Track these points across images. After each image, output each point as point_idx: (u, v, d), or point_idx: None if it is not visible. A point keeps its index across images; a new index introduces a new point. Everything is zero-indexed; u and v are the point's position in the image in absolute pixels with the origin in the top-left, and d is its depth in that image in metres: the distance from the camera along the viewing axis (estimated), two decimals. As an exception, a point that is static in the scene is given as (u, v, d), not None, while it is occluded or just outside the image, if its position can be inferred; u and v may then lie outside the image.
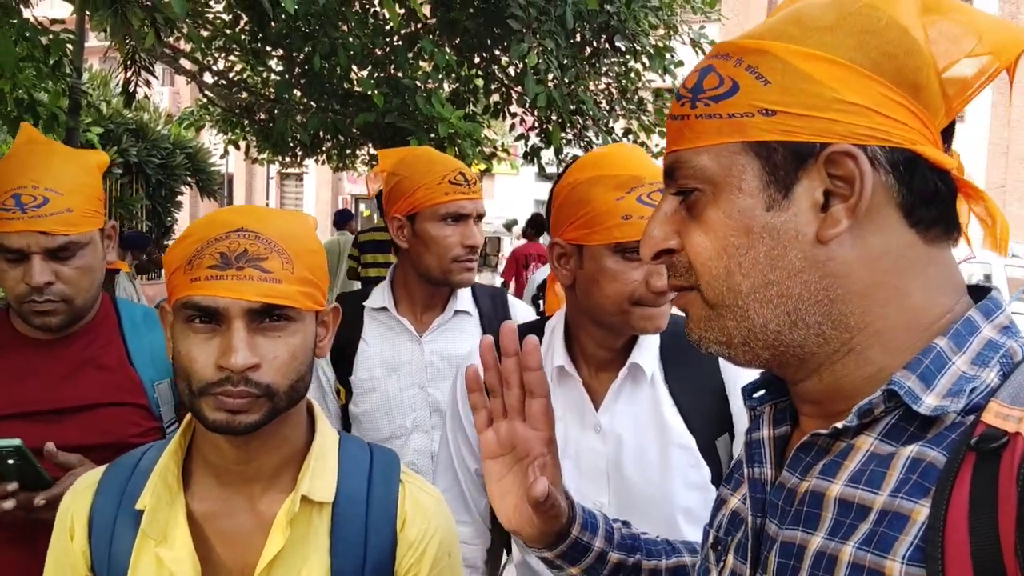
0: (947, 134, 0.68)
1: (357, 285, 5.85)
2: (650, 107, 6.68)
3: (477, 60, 6.09)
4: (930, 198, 0.66)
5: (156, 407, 1.56)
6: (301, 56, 5.76)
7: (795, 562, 0.67)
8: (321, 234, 1.29)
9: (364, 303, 1.98)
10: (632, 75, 6.37)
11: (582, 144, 6.45)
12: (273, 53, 6.43)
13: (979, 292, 0.70)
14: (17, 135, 1.56)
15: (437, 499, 1.16)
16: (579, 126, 6.13)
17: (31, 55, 4.22)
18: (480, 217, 1.91)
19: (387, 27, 5.65)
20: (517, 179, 21.82)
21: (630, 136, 6.72)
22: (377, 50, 5.56)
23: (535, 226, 8.32)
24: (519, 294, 7.18)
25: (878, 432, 0.65)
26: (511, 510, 0.94)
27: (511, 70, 5.99)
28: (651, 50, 5.85)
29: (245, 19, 5.77)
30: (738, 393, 1.29)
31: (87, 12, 3.78)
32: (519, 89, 5.72)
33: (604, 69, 6.23)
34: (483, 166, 6.92)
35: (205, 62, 6.74)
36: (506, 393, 0.94)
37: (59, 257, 1.45)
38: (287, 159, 9.37)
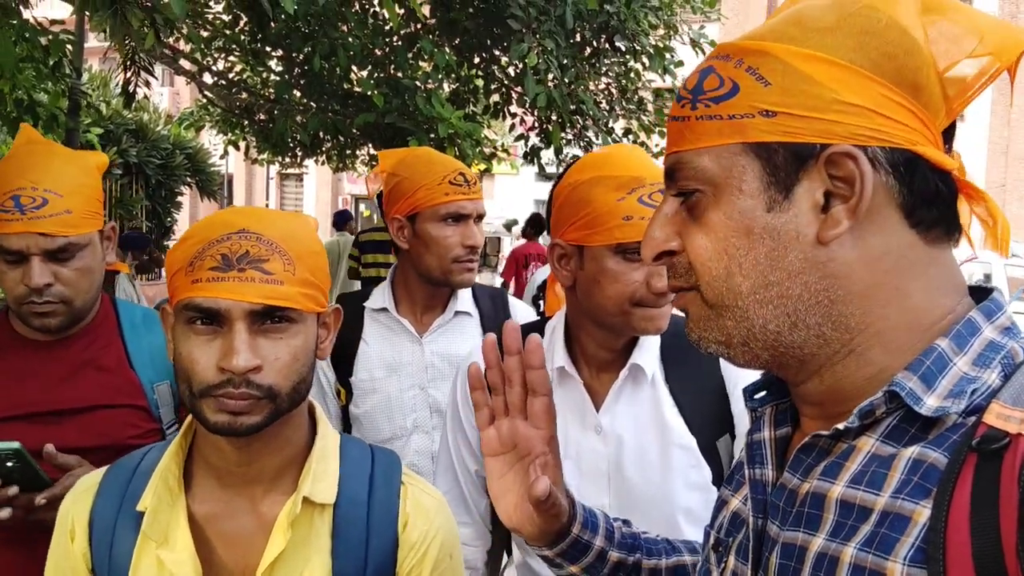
0: (948, 135, 0.68)
1: (357, 285, 5.86)
2: (650, 107, 6.67)
3: (477, 60, 6.08)
4: (931, 199, 0.66)
5: (155, 409, 1.56)
6: (301, 56, 5.75)
7: (796, 563, 0.67)
8: (321, 235, 1.29)
9: (364, 304, 1.98)
10: (632, 75, 6.37)
11: (582, 144, 6.45)
12: (273, 53, 6.42)
13: (980, 293, 0.70)
14: (17, 136, 1.55)
15: (438, 500, 1.16)
16: (579, 126, 6.13)
17: (31, 56, 4.22)
18: (480, 217, 1.91)
19: (387, 27, 5.65)
20: (517, 179, 21.81)
21: (630, 136, 6.72)
22: (377, 50, 5.56)
23: (535, 226, 8.32)
24: (519, 294, 7.18)
25: (879, 433, 0.65)
26: (512, 508, 0.94)
27: (511, 70, 5.99)
28: (651, 50, 5.84)
29: (245, 19, 5.77)
30: (739, 394, 1.30)
31: (87, 13, 3.77)
32: (519, 89, 5.71)
33: (604, 69, 6.22)
34: (483, 166, 6.91)
35: (205, 62, 6.73)
36: (508, 391, 0.94)
37: (58, 258, 1.45)
38: (287, 160, 9.36)
